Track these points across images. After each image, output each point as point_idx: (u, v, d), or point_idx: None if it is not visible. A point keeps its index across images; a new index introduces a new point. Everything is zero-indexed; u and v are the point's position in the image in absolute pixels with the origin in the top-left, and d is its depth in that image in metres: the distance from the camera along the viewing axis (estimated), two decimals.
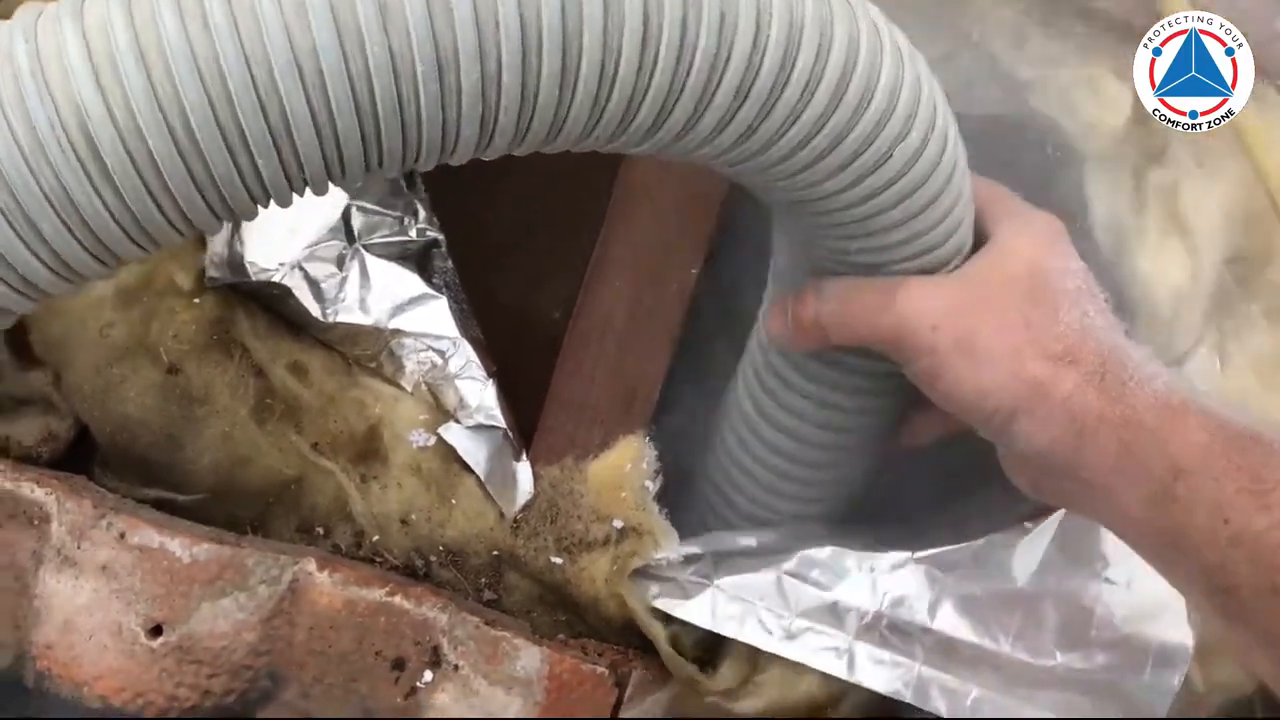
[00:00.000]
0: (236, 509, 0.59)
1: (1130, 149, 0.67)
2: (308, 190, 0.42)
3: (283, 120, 0.38)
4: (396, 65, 0.38)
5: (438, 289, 0.63)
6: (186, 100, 0.37)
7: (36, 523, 0.55)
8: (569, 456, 0.60)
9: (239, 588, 0.55)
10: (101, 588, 0.54)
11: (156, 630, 0.55)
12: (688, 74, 0.42)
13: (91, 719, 0.54)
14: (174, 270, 0.56)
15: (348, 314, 0.60)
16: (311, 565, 0.56)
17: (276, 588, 0.55)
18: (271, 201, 0.42)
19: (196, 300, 0.56)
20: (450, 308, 0.62)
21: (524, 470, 0.61)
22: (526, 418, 0.64)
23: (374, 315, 0.61)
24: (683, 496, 0.61)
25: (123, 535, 0.55)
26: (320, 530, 0.60)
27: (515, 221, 0.83)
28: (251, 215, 0.43)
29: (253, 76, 0.38)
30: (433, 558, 0.60)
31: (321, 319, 0.59)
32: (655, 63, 0.42)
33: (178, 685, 0.55)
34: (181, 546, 0.55)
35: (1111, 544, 0.59)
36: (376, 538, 0.59)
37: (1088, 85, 0.67)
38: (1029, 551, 0.58)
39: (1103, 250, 0.66)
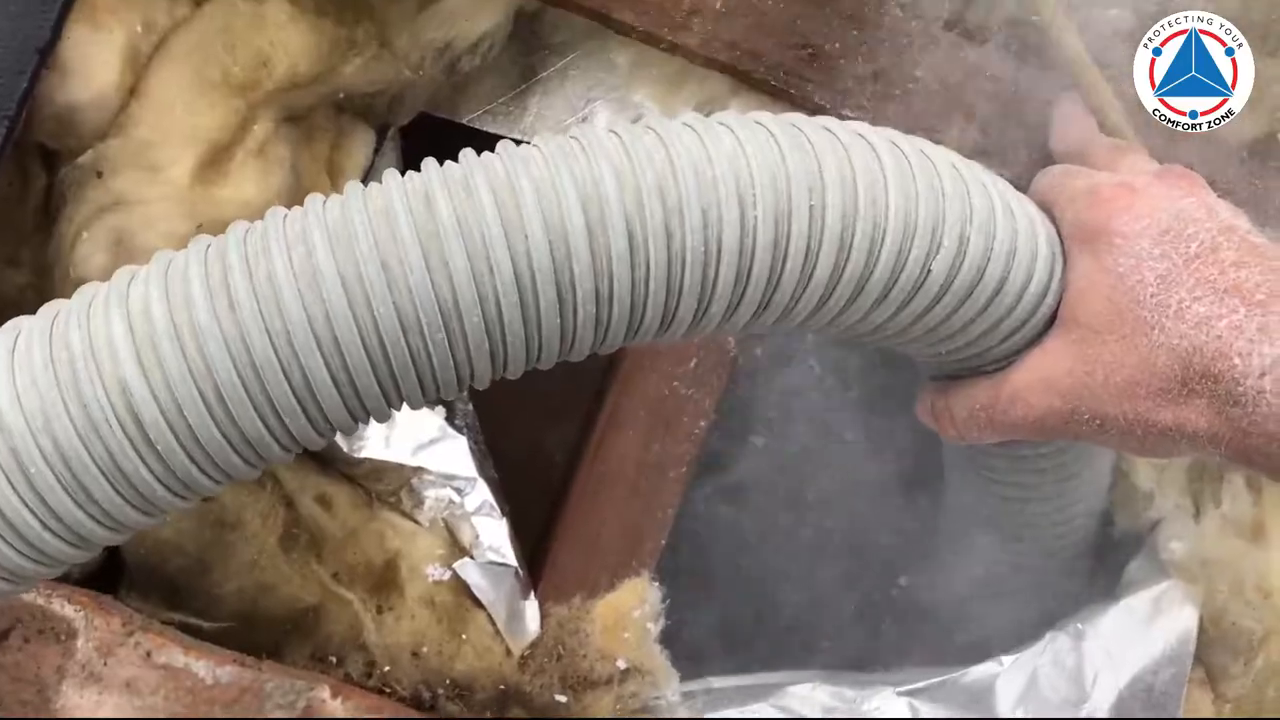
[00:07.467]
0: (256, 636, 0.61)
1: None
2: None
3: (305, 382, 0.42)
4: (403, 321, 0.42)
5: (459, 429, 0.66)
6: (217, 374, 0.41)
7: (63, 638, 0.57)
8: (577, 596, 0.63)
9: (255, 711, 0.57)
10: (124, 704, 0.56)
11: None
12: (682, 273, 0.44)
13: None
14: None
15: (373, 450, 0.63)
16: (325, 692, 0.58)
17: (290, 713, 0.57)
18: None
19: None
20: (470, 448, 0.66)
21: (532, 608, 0.64)
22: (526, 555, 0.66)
23: (397, 452, 0.64)
24: (679, 637, 0.64)
25: (149, 654, 0.57)
26: (333, 659, 0.62)
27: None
28: (286, 460, 0.46)
29: (274, 346, 0.41)
30: (440, 690, 0.62)
31: (349, 453, 0.63)
32: (648, 279, 0.43)
33: None
34: (205, 668, 0.57)
35: (1090, 678, 0.62)
36: (388, 668, 0.61)
37: None
38: (1009, 683, 0.62)
39: None
